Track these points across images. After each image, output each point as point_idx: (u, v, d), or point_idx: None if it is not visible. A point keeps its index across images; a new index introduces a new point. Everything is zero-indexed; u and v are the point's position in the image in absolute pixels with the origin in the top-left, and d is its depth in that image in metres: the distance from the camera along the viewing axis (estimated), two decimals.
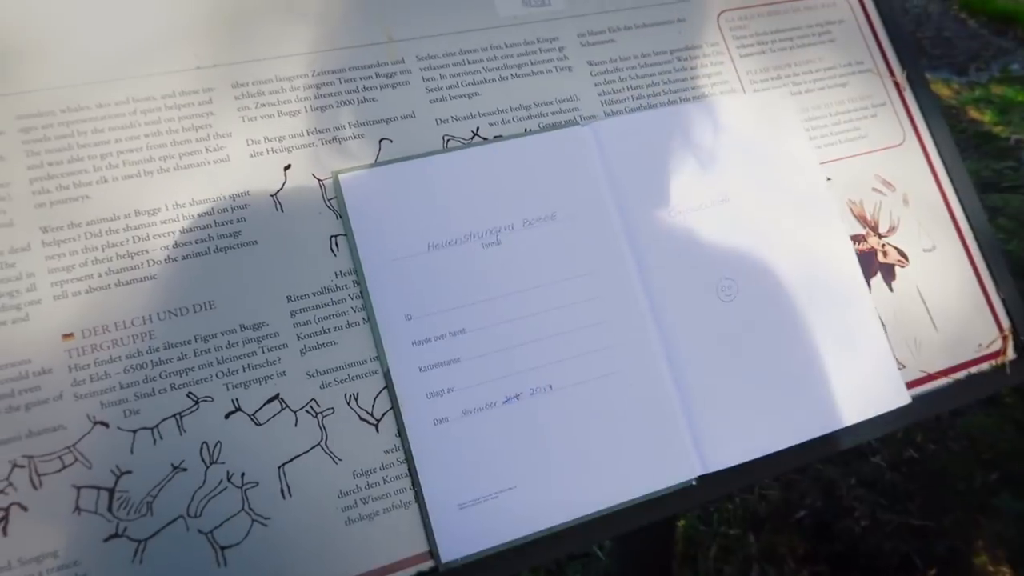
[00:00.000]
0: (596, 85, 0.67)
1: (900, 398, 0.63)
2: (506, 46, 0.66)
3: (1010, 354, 0.69)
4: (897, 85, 0.74)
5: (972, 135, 2.25)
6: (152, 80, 0.57)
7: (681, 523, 1.34)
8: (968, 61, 2.48)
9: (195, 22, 0.59)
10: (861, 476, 1.43)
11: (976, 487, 1.41)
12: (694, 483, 0.58)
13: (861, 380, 0.62)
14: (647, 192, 0.62)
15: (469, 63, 0.65)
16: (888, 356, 0.64)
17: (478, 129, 0.63)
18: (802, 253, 0.64)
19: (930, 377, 0.66)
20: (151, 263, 0.54)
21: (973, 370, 0.68)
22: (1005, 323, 0.70)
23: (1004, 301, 0.70)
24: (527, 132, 0.63)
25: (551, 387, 0.57)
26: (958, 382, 0.67)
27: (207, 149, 0.57)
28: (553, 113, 0.65)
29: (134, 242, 0.54)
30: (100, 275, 0.53)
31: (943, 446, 1.49)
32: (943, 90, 2.37)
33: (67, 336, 0.51)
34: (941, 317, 0.68)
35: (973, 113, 2.32)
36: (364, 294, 0.56)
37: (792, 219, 0.64)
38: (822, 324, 0.62)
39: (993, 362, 0.68)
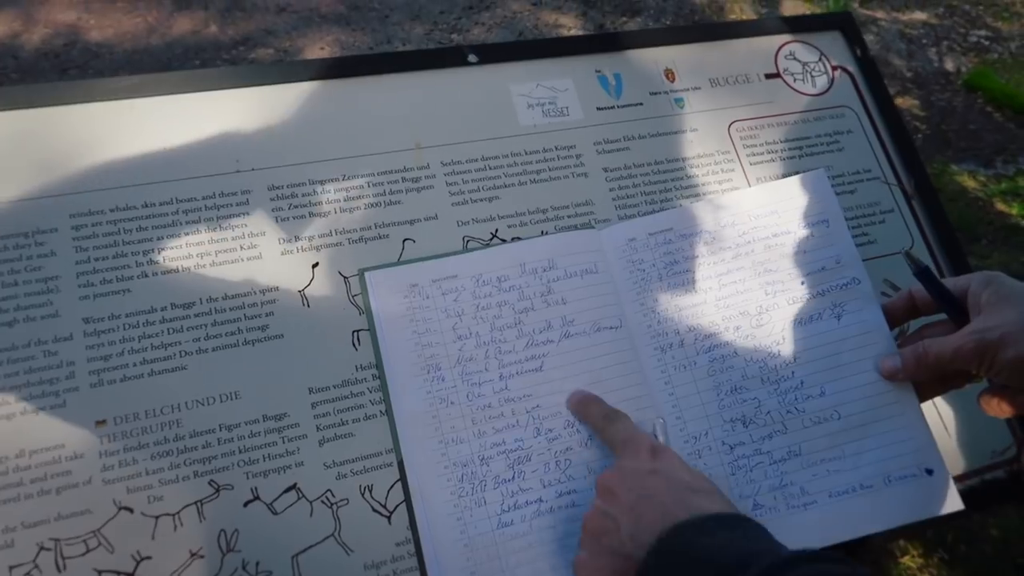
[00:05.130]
0: (611, 191, 0.70)
1: None
2: (526, 153, 0.70)
3: None
4: (905, 192, 0.76)
5: (1000, 228, 2.24)
6: (195, 182, 0.62)
7: None
8: (994, 154, 2.50)
9: (239, 130, 0.64)
10: None
11: None
12: None
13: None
14: (655, 295, 0.62)
15: (491, 168, 0.68)
16: None
17: (497, 231, 0.66)
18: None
19: None
20: (183, 354, 0.57)
21: (988, 476, 0.67)
22: (1019, 429, 0.69)
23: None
24: (543, 234, 0.66)
25: (575, 491, 0.57)
26: (972, 489, 0.66)
27: (241, 247, 0.61)
28: (569, 216, 0.68)
29: (168, 334, 0.57)
30: (135, 364, 0.56)
31: (976, 548, 1.44)
32: (969, 182, 2.38)
33: (100, 423, 0.54)
34: (954, 423, 0.68)
35: (1000, 206, 2.32)
36: (383, 387, 0.58)
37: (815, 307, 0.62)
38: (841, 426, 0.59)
39: (1008, 468, 0.68)
